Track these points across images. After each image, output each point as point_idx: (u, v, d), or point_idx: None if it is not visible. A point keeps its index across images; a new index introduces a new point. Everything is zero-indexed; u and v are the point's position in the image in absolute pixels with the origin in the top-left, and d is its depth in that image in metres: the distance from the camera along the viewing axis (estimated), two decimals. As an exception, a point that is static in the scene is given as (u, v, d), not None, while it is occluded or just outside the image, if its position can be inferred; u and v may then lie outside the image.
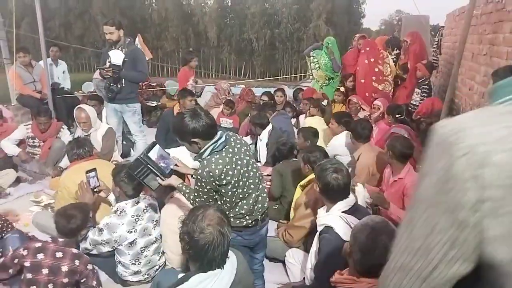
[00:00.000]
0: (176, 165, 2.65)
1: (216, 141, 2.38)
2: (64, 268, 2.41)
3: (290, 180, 3.80)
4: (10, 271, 2.42)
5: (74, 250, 2.52)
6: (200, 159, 2.41)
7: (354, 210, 2.44)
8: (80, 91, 7.71)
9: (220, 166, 2.33)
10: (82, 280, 2.50)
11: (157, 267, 2.96)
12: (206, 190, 2.37)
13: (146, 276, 2.91)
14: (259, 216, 2.63)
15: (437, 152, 0.76)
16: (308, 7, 22.21)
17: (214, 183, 2.34)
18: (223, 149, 2.40)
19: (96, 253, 2.84)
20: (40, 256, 2.40)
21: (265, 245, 2.91)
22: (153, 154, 2.52)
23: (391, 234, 1.63)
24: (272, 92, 7.00)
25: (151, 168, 2.48)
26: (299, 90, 7.75)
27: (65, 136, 5.11)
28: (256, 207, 2.61)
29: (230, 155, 2.41)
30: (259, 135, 5.22)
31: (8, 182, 4.59)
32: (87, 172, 3.02)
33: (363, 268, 1.67)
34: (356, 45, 7.12)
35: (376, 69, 6.41)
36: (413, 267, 0.79)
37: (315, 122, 5.20)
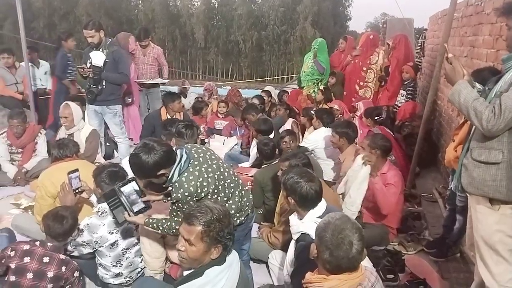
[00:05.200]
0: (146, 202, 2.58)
1: (180, 161, 2.35)
2: (50, 274, 2.39)
3: (271, 186, 3.76)
4: None
5: (62, 256, 2.49)
6: (170, 184, 2.38)
7: (326, 213, 2.39)
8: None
9: (193, 183, 2.33)
10: (67, 287, 2.47)
11: (138, 269, 2.92)
12: (184, 209, 2.34)
13: (128, 279, 2.87)
14: (249, 210, 2.68)
15: None
16: (294, 9, 22.26)
17: (192, 202, 2.32)
18: (189, 165, 2.38)
19: (77, 255, 2.81)
20: (26, 259, 2.37)
21: (250, 235, 2.93)
22: (127, 189, 2.51)
23: (353, 228, 1.68)
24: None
25: (122, 201, 2.48)
26: (283, 92, 7.79)
27: (42, 140, 4.95)
28: (242, 201, 2.64)
29: (198, 167, 2.40)
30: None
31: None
32: (69, 173, 2.95)
33: (332, 266, 1.68)
34: (340, 48, 7.19)
35: (362, 73, 6.48)
36: None
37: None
